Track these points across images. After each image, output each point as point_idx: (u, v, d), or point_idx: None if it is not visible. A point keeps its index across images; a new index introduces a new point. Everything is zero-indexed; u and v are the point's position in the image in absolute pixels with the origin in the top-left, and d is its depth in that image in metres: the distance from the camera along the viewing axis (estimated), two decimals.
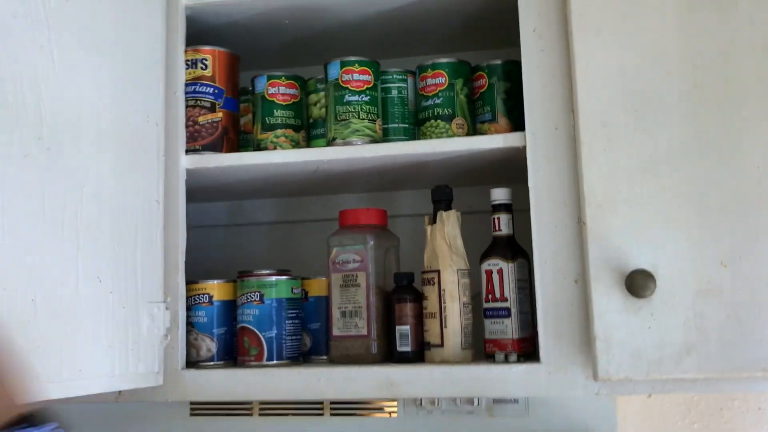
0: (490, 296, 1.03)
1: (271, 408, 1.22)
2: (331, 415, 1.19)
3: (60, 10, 0.86)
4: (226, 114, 1.13)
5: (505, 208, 1.06)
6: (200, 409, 1.25)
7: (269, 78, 1.14)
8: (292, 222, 1.38)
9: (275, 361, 1.06)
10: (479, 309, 1.05)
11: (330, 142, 1.09)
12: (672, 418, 1.26)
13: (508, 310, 1.02)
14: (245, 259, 1.34)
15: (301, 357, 1.10)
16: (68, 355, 0.83)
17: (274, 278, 1.08)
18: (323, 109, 1.14)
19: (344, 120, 1.08)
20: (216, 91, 1.12)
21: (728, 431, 1.25)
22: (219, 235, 1.38)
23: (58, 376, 0.80)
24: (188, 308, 1.08)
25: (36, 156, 0.80)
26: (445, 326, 1.01)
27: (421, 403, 1.17)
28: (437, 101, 1.10)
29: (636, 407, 1.25)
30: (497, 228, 1.06)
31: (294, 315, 1.09)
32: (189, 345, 1.07)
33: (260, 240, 1.39)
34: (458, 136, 1.09)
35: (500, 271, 1.03)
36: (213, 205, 1.38)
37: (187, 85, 1.10)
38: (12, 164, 0.77)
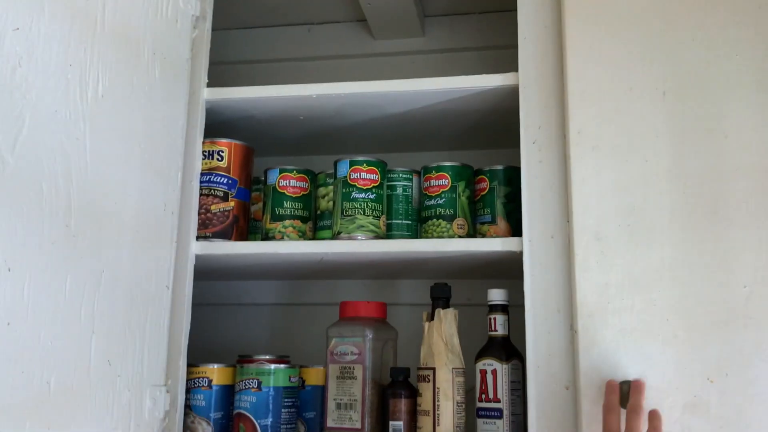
0: (483, 396, 1.05)
1: None
2: None
3: (96, 104, 0.91)
4: (237, 203, 1.18)
5: (501, 308, 1.10)
6: None
7: (281, 171, 1.20)
8: (294, 305, 1.42)
9: None
10: (472, 405, 1.07)
11: (335, 236, 1.14)
12: None
13: (501, 411, 1.04)
14: (246, 339, 1.37)
15: None
16: None
17: (273, 366, 1.11)
18: (331, 203, 1.19)
19: (350, 216, 1.12)
20: (230, 181, 1.17)
21: None
22: (221, 313, 1.41)
23: None
24: (187, 391, 1.10)
25: (62, 242, 0.84)
26: (438, 424, 1.03)
27: None
28: (440, 201, 1.15)
29: None
30: (493, 328, 1.09)
31: (290, 404, 1.11)
32: (185, 428, 1.09)
33: (262, 320, 1.42)
34: (459, 236, 1.14)
35: (494, 372, 1.05)
36: (217, 284, 1.42)
37: (202, 174, 1.16)
38: (39, 251, 0.81)
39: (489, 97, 1.14)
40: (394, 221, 1.17)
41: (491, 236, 1.14)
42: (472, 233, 1.16)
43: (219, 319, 1.41)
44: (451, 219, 1.14)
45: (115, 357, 0.93)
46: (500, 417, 1.03)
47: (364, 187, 1.13)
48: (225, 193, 1.17)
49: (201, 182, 1.16)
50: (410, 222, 1.18)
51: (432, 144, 1.34)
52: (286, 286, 1.43)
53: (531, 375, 0.99)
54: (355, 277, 1.37)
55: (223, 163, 1.18)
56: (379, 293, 1.37)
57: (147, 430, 1.00)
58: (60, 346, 0.84)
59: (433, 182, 1.16)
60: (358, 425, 1.07)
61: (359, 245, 1.11)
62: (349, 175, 1.14)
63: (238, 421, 1.09)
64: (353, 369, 1.09)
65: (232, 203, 1.17)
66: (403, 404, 1.07)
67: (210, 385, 1.12)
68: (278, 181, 1.19)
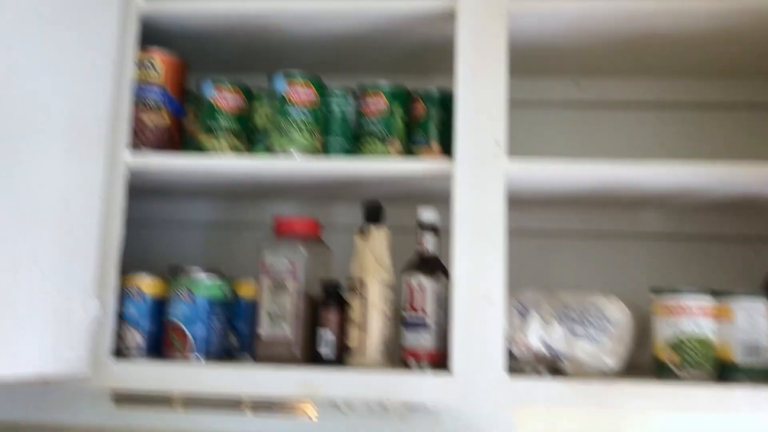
0: (410, 309, 1.10)
1: (194, 402, 1.25)
2: (252, 411, 1.24)
3: (23, 9, 0.88)
4: (171, 116, 1.17)
5: (430, 227, 1.13)
6: (123, 399, 1.27)
7: (216, 85, 1.19)
8: (227, 224, 1.42)
9: (201, 357, 1.10)
10: (399, 320, 1.11)
11: (271, 152, 1.14)
12: None
13: (426, 323, 1.08)
14: (178, 257, 1.38)
15: (226, 355, 1.14)
16: (4, 338, 0.85)
17: (205, 278, 1.12)
18: (266, 119, 1.19)
19: (286, 132, 1.13)
20: (163, 93, 1.16)
21: None
22: (154, 231, 1.41)
23: None
24: (119, 301, 1.11)
25: None
26: (366, 334, 1.07)
27: (338, 406, 1.23)
28: (376, 122, 1.17)
29: (536, 421, 1.33)
30: (422, 246, 1.13)
31: (222, 314, 1.13)
32: (117, 336, 1.10)
33: (195, 240, 1.42)
34: (393, 157, 1.16)
35: (422, 287, 1.10)
36: (148, 202, 1.41)
37: (135, 85, 1.14)
38: None
39: (426, 19, 1.15)
40: (330, 141, 1.19)
41: (425, 158, 1.16)
42: (407, 154, 1.18)
43: (152, 237, 1.41)
44: (386, 140, 1.16)
45: (43, 260, 0.93)
46: (425, 328, 1.08)
47: (301, 104, 1.14)
48: (158, 105, 1.16)
49: (133, 93, 1.14)
50: (346, 142, 1.19)
51: (369, 67, 1.34)
52: (220, 206, 1.43)
53: (456, 289, 1.04)
54: (288, 198, 1.38)
55: (157, 76, 1.16)
56: (311, 215, 1.38)
57: (76, 336, 1.01)
58: None
59: (370, 103, 1.18)
60: (289, 335, 1.10)
61: (294, 162, 1.12)
62: (286, 91, 1.14)
63: (170, 330, 1.11)
64: (286, 282, 1.11)
65: (166, 116, 1.16)
66: (333, 315, 1.11)
67: (142, 295, 1.13)
68: (213, 96, 1.19)
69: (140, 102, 1.14)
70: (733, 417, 1.25)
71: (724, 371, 1.05)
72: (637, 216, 1.36)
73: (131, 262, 1.15)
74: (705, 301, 1.05)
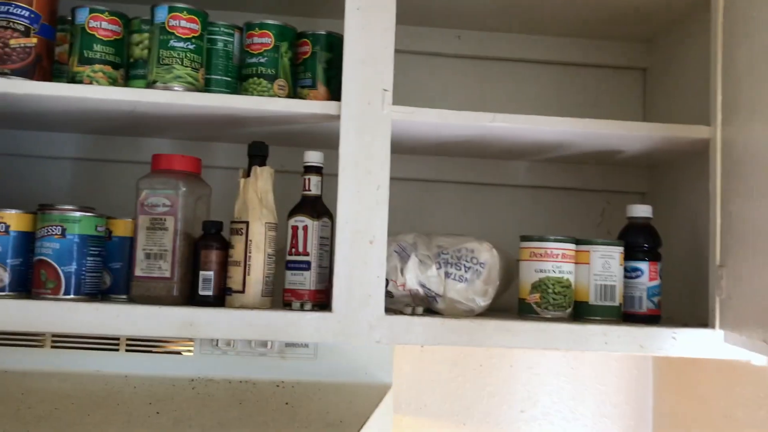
0: (293, 250, 1.11)
1: (65, 341, 1.21)
2: (127, 351, 1.21)
3: None
4: (41, 41, 1.09)
5: (315, 170, 1.14)
6: None
7: (92, 11, 1.12)
8: (100, 160, 1.36)
9: (73, 296, 1.06)
10: (281, 259, 1.12)
11: (150, 85, 1.10)
12: (440, 370, 1.43)
13: (309, 263, 1.10)
14: (46, 192, 1.30)
15: (99, 295, 1.11)
16: None
17: (78, 214, 1.08)
18: (145, 51, 1.14)
19: (167, 65, 1.09)
20: (32, 15, 1.08)
21: (485, 385, 1.44)
22: (20, 164, 1.32)
23: None
24: None
25: None
26: (248, 274, 1.08)
27: (217, 344, 1.23)
28: (262, 60, 1.15)
29: (412, 358, 1.41)
30: (307, 188, 1.13)
31: (96, 252, 1.09)
32: None
33: (64, 175, 1.35)
34: (279, 96, 1.15)
35: (305, 228, 1.11)
36: (15, 133, 1.32)
37: (0, 4, 1.05)
38: None
39: None
40: (213, 76, 1.16)
41: (311, 100, 1.16)
42: (293, 96, 1.18)
43: (17, 171, 1.32)
44: (272, 79, 1.15)
45: None
46: (308, 269, 1.10)
47: (184, 36, 1.10)
48: (26, 27, 1.07)
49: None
50: (230, 79, 1.17)
51: (254, 4, 1.31)
52: (90, 140, 1.36)
53: (339, 231, 1.06)
54: (167, 135, 1.34)
55: None
56: (190, 154, 1.35)
57: None
58: None
59: (256, 40, 1.15)
60: (167, 274, 1.08)
61: (176, 96, 1.09)
62: (168, 21, 1.09)
63: (40, 267, 1.06)
64: (164, 220, 1.09)
65: (35, 40, 1.08)
66: (214, 255, 1.10)
67: (7, 231, 1.06)
68: (88, 22, 1.12)
69: (6, 23, 1.06)
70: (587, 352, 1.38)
71: (580, 311, 1.15)
72: (507, 168, 1.43)
73: None
74: (567, 247, 1.14)
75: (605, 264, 1.14)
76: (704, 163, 1.14)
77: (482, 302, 1.11)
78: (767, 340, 0.91)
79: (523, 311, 1.14)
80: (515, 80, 1.46)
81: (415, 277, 1.11)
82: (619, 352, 1.06)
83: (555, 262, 1.13)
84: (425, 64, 1.44)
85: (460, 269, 1.11)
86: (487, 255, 1.12)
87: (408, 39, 1.39)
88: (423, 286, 1.11)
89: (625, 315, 1.17)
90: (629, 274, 1.17)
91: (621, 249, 1.16)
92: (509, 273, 1.19)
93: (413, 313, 1.08)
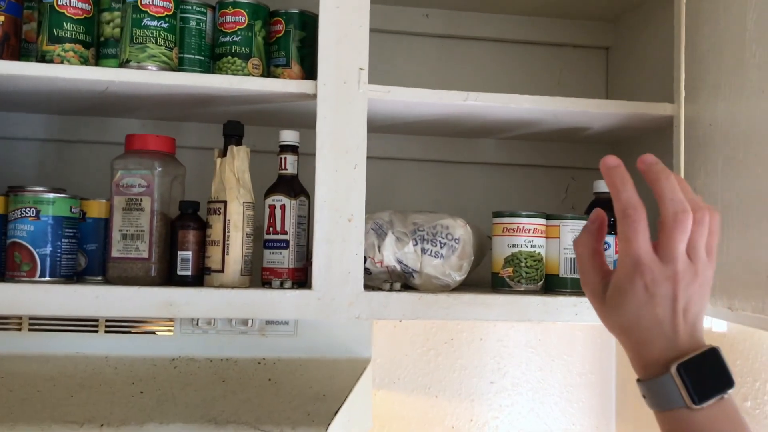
0: (271, 229, 1.12)
1: (42, 324, 1.20)
2: (106, 332, 1.21)
3: None
4: (8, 18, 1.06)
5: (291, 149, 1.15)
6: None
7: None
8: (68, 141, 1.34)
9: (48, 278, 1.05)
10: (259, 238, 1.13)
11: (123, 64, 1.09)
12: (413, 345, 1.46)
13: (287, 242, 1.11)
14: (13, 175, 1.28)
15: (75, 277, 1.10)
16: None
17: (52, 195, 1.06)
18: (117, 29, 1.13)
19: (141, 44, 1.08)
20: None
21: (456, 358, 1.48)
22: None
23: None
24: None
25: None
26: (227, 253, 1.08)
27: (197, 323, 1.23)
28: (236, 39, 1.14)
29: (388, 334, 1.43)
30: (283, 167, 1.14)
31: (71, 234, 1.08)
32: None
33: (32, 156, 1.33)
34: (254, 75, 1.15)
35: (283, 207, 1.12)
36: None
37: None
38: None
39: None
40: (186, 55, 1.15)
41: (285, 79, 1.16)
42: (267, 75, 1.18)
43: None
44: (246, 58, 1.15)
45: None
46: (286, 248, 1.11)
47: (157, 15, 1.08)
48: None
49: None
50: (203, 58, 1.16)
51: None
52: (61, 120, 1.34)
53: (318, 209, 1.07)
54: (137, 115, 1.32)
55: None
56: (162, 134, 1.34)
57: None
58: None
59: (230, 18, 1.15)
60: (145, 255, 1.08)
61: (151, 75, 1.08)
62: (141, 0, 1.08)
63: (13, 249, 1.04)
64: (141, 201, 1.08)
65: (2, 18, 1.06)
66: (192, 235, 1.10)
67: None
68: (57, 0, 1.09)
69: None
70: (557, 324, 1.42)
71: (551, 284, 1.19)
72: (475, 145, 1.46)
73: None
74: (538, 222, 1.18)
75: (574, 238, 1.18)
76: (668, 140, 1.19)
77: (458, 277, 1.14)
78: (732, 307, 0.96)
79: (497, 285, 1.18)
80: (482, 59, 1.48)
81: (392, 253, 1.13)
82: (588, 323, 1.10)
83: (527, 236, 1.16)
84: (394, 42, 1.45)
85: (436, 245, 1.14)
86: (462, 231, 1.15)
87: (377, 17, 1.39)
88: (400, 262, 1.14)
89: None
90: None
91: None
92: (482, 248, 1.22)
93: (391, 289, 1.10)
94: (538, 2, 1.40)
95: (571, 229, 1.18)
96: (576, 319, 1.12)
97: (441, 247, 1.14)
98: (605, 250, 1.19)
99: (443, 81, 1.46)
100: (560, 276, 1.18)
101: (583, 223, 1.18)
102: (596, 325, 1.04)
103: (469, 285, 1.20)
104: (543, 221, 1.18)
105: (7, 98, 1.19)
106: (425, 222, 1.16)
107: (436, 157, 1.45)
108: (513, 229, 1.17)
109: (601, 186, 1.25)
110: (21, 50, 1.12)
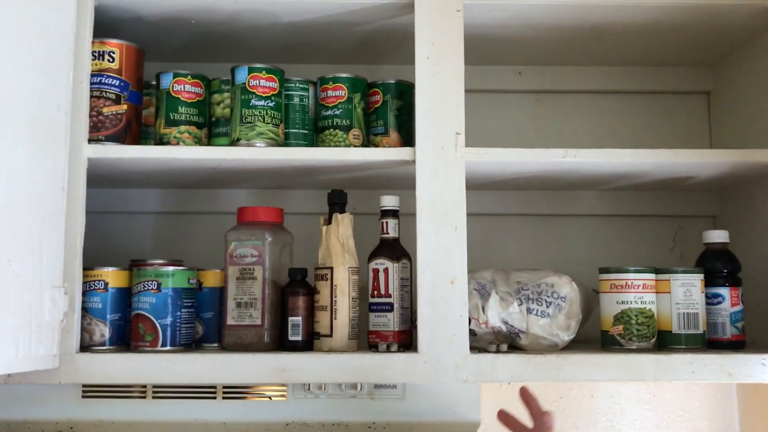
0: (375, 292, 1.14)
1: (165, 391, 1.26)
2: (224, 398, 1.26)
3: None
4: (130, 107, 1.16)
5: (392, 213, 1.18)
6: (92, 391, 1.27)
7: (175, 75, 1.19)
8: (181, 213, 1.42)
9: (170, 347, 1.11)
10: (364, 301, 1.15)
11: (234, 142, 1.16)
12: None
13: (391, 305, 1.13)
14: (135, 246, 1.37)
15: (193, 344, 1.15)
16: None
17: (171, 268, 1.13)
18: (227, 110, 1.20)
19: (250, 123, 1.15)
20: (122, 83, 1.15)
21: (566, 416, 1.44)
22: (108, 221, 1.39)
23: None
24: (83, 294, 1.10)
25: None
26: (335, 318, 1.11)
27: (309, 388, 1.27)
28: (336, 112, 1.20)
29: (494, 393, 1.41)
30: (385, 231, 1.17)
31: (189, 304, 1.14)
32: (83, 329, 1.10)
33: (149, 229, 1.42)
34: (354, 146, 1.19)
35: (386, 270, 1.14)
36: (103, 192, 1.39)
37: (93, 76, 1.13)
38: None
39: (385, 10, 1.18)
40: (291, 130, 1.21)
41: (384, 147, 1.20)
42: (366, 144, 1.22)
43: (106, 227, 1.39)
44: (347, 129, 1.20)
45: (15, 257, 0.92)
46: (391, 310, 1.13)
47: (264, 95, 1.15)
48: (117, 95, 1.14)
49: (92, 84, 1.12)
50: (307, 132, 1.22)
51: (325, 56, 1.37)
52: (172, 194, 1.43)
53: (421, 272, 1.09)
54: (245, 186, 1.40)
55: (115, 65, 1.15)
56: (269, 203, 1.40)
57: (47, 331, 1.00)
58: None
59: (330, 93, 1.20)
60: (258, 322, 1.12)
61: (260, 152, 1.14)
62: (248, 82, 1.15)
63: (138, 321, 1.11)
64: (253, 270, 1.13)
65: (125, 106, 1.15)
66: (301, 301, 1.14)
67: (106, 288, 1.12)
68: (172, 86, 1.18)
69: (99, 92, 1.13)
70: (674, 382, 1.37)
71: (664, 340, 1.15)
72: (575, 198, 1.44)
73: (88, 253, 1.13)
74: (647, 277, 1.15)
75: (686, 292, 1.14)
76: None
77: (566, 336, 1.12)
78: None
79: (607, 343, 1.15)
80: (578, 112, 1.48)
81: (497, 314, 1.13)
82: (706, 381, 1.05)
83: (636, 293, 1.13)
84: (488, 101, 1.47)
85: (542, 304, 1.13)
86: (568, 288, 1.13)
87: (471, 78, 1.41)
88: (505, 323, 1.13)
89: (709, 342, 1.16)
90: (710, 300, 1.17)
91: (701, 276, 1.16)
92: (589, 304, 1.20)
93: (498, 351, 1.10)
94: (633, 53, 1.39)
95: (682, 283, 1.14)
96: (693, 377, 1.08)
97: (547, 306, 1.13)
98: (719, 303, 1.14)
99: (540, 136, 1.46)
100: (673, 332, 1.14)
101: (695, 276, 1.14)
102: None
103: (577, 342, 1.18)
104: (652, 276, 1.15)
105: (128, 177, 1.29)
106: (529, 280, 1.15)
107: (536, 212, 1.44)
108: (621, 286, 1.15)
109: (713, 236, 1.21)
110: (141, 133, 1.21)
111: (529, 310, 1.13)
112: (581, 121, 1.47)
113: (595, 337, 1.20)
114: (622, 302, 1.14)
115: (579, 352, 1.10)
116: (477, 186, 1.34)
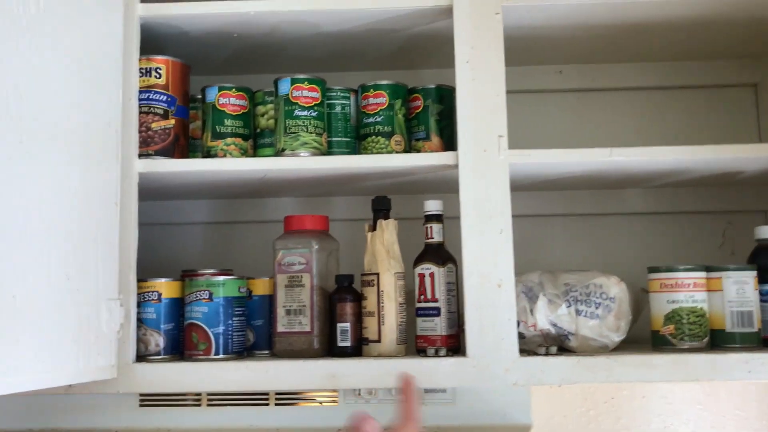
0: (422, 297, 1.15)
1: (219, 399, 1.29)
2: (276, 404, 1.28)
3: (38, 17, 0.90)
4: (178, 121, 1.19)
5: (436, 218, 1.18)
6: (149, 400, 1.31)
7: (220, 89, 1.21)
8: (231, 223, 1.45)
9: (222, 355, 1.13)
10: (411, 306, 1.16)
11: (279, 153, 1.18)
12: (572, 405, 1.42)
13: (438, 309, 1.14)
14: (184, 257, 1.40)
15: (245, 352, 1.18)
16: (43, 349, 0.88)
17: (222, 278, 1.15)
18: (271, 121, 1.22)
19: (293, 133, 1.16)
20: (169, 99, 1.18)
21: (617, 417, 1.42)
22: (160, 233, 1.43)
23: (32, 368, 0.85)
24: (138, 305, 1.13)
25: (17, 158, 0.84)
26: (383, 324, 1.12)
27: (359, 393, 1.28)
28: (378, 119, 1.21)
29: (544, 396, 1.41)
30: (429, 236, 1.17)
31: (240, 312, 1.17)
32: (138, 340, 1.13)
33: (198, 239, 1.45)
34: (396, 152, 1.20)
35: (432, 275, 1.15)
36: (154, 204, 1.42)
37: (140, 92, 1.16)
38: None
39: (424, 16, 1.19)
40: (333, 139, 1.22)
41: (426, 152, 1.21)
42: (408, 149, 1.23)
43: (157, 239, 1.42)
44: (389, 136, 1.21)
45: (72, 271, 0.95)
46: (438, 315, 1.13)
47: (307, 105, 1.17)
48: (165, 110, 1.17)
49: (140, 100, 1.15)
50: (349, 139, 1.23)
51: (365, 64, 1.38)
52: (220, 204, 1.46)
53: (467, 276, 1.09)
54: (291, 195, 1.42)
55: (162, 81, 1.18)
56: (315, 210, 1.42)
57: (104, 342, 1.03)
58: (22, 260, 0.85)
59: (371, 100, 1.21)
60: (307, 328, 1.14)
61: (304, 162, 1.16)
62: (291, 93, 1.17)
63: (191, 330, 1.14)
64: (301, 278, 1.15)
65: (173, 121, 1.18)
66: (349, 307, 1.15)
67: (160, 298, 1.15)
68: (218, 99, 1.21)
69: (147, 108, 1.16)
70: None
71: (717, 339, 1.13)
72: (623, 196, 1.43)
73: (138, 265, 1.16)
74: (698, 276, 1.13)
75: (739, 290, 1.12)
76: None
77: (616, 337, 1.11)
78: None
79: (658, 343, 1.14)
80: (621, 109, 1.46)
81: (545, 316, 1.13)
82: (764, 380, 1.03)
83: (687, 291, 1.12)
84: (529, 101, 1.46)
85: (591, 306, 1.12)
86: (617, 289, 1.12)
87: (511, 79, 1.39)
88: (554, 325, 1.13)
89: (765, 340, 1.14)
90: (764, 298, 1.15)
91: (754, 273, 1.13)
92: (638, 305, 1.19)
93: (547, 353, 1.09)
94: (676, 47, 1.37)
95: (734, 280, 1.12)
96: (749, 377, 1.06)
97: (596, 308, 1.12)
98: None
99: (582, 135, 1.45)
100: (727, 331, 1.12)
101: (748, 274, 1.12)
102: None
103: (627, 342, 1.16)
104: (703, 274, 1.13)
105: (178, 189, 1.32)
106: (577, 282, 1.15)
107: (581, 211, 1.43)
108: (671, 285, 1.13)
109: (765, 232, 1.18)
110: (189, 147, 1.24)
111: (577, 312, 1.12)
112: (624, 118, 1.45)
113: (645, 337, 1.18)
114: (673, 301, 1.12)
115: (630, 352, 1.09)
116: (521, 187, 1.33)
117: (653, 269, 1.16)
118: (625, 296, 1.13)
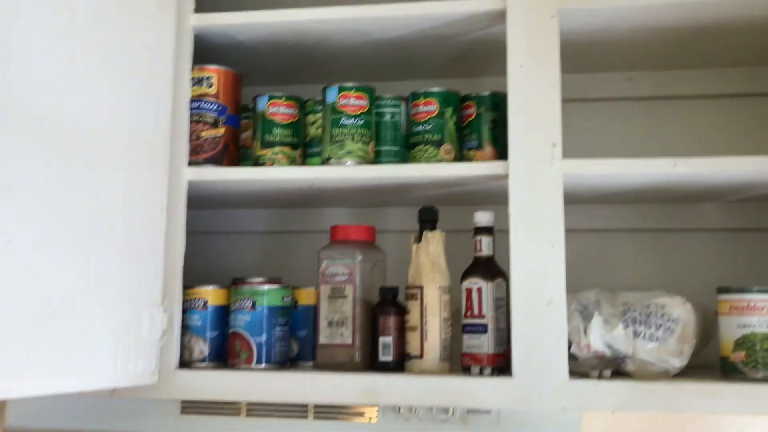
0: (469, 313, 1.10)
1: (258, 409, 1.28)
2: (315, 418, 1.26)
3: (88, 26, 0.92)
4: (227, 130, 1.19)
5: (486, 230, 1.13)
6: (191, 407, 1.31)
7: (270, 98, 1.21)
8: (283, 232, 1.45)
9: (264, 365, 1.12)
10: (458, 324, 1.11)
11: (325, 162, 1.16)
12: None
13: (485, 326, 1.08)
14: (237, 266, 1.41)
15: (288, 362, 1.16)
16: (81, 351, 0.89)
17: (266, 287, 1.14)
18: (320, 129, 1.21)
19: (339, 142, 1.15)
20: (219, 108, 1.18)
21: None
22: (212, 241, 1.44)
23: (71, 371, 0.86)
24: (183, 311, 1.13)
25: (59, 164, 0.86)
26: (426, 339, 1.08)
27: (399, 410, 1.24)
28: (428, 127, 1.17)
29: (601, 424, 1.32)
30: (479, 249, 1.13)
31: (283, 322, 1.15)
32: (182, 347, 1.13)
33: (252, 248, 1.45)
34: (446, 161, 1.16)
35: (480, 290, 1.10)
36: (207, 213, 1.44)
37: (192, 101, 1.17)
38: (37, 172, 0.83)
39: (476, 21, 1.15)
40: (382, 148, 1.20)
41: (478, 161, 1.16)
42: (459, 159, 1.19)
43: (210, 247, 1.44)
44: (438, 145, 1.17)
45: (113, 276, 0.96)
46: (485, 332, 1.08)
47: (353, 113, 1.15)
48: (215, 119, 1.18)
49: (191, 109, 1.17)
50: (398, 148, 1.20)
51: (418, 72, 1.35)
52: (275, 214, 1.46)
53: (515, 293, 1.04)
54: (342, 204, 1.40)
55: (213, 90, 1.18)
56: (365, 221, 1.40)
57: (146, 348, 1.04)
58: (60, 264, 0.86)
59: (421, 108, 1.18)
60: (349, 341, 1.11)
61: (348, 170, 1.14)
62: (338, 101, 1.15)
63: (234, 339, 1.13)
64: (344, 289, 1.13)
65: (223, 130, 1.18)
66: (392, 321, 1.11)
67: (205, 306, 1.15)
68: (267, 108, 1.21)
69: (198, 117, 1.17)
70: None
71: None
72: (694, 210, 1.33)
73: (189, 272, 1.17)
74: None
75: None
76: None
77: (677, 363, 1.02)
78: None
79: (727, 371, 1.04)
80: (693, 118, 1.36)
81: (599, 337, 1.05)
82: None
83: (761, 316, 1.02)
84: (598, 109, 1.39)
85: (651, 327, 1.04)
86: (681, 310, 1.04)
87: (579, 86, 1.35)
88: (609, 347, 1.05)
89: None
90: None
91: None
92: (708, 328, 1.09)
93: (600, 377, 1.02)
94: (750, 52, 1.26)
95: None
96: None
97: (656, 330, 1.04)
98: None
99: (652, 144, 1.36)
100: None
101: None
102: None
103: (694, 368, 1.07)
104: None
105: (228, 198, 1.32)
106: (637, 301, 1.07)
107: (647, 226, 1.34)
108: (743, 308, 1.03)
109: None
110: (240, 155, 1.24)
111: (635, 333, 1.04)
112: (696, 127, 1.35)
113: (714, 363, 1.09)
114: (744, 326, 1.03)
115: (694, 380, 1.00)
116: (581, 200, 1.27)
117: (723, 290, 1.06)
118: (690, 318, 1.04)
